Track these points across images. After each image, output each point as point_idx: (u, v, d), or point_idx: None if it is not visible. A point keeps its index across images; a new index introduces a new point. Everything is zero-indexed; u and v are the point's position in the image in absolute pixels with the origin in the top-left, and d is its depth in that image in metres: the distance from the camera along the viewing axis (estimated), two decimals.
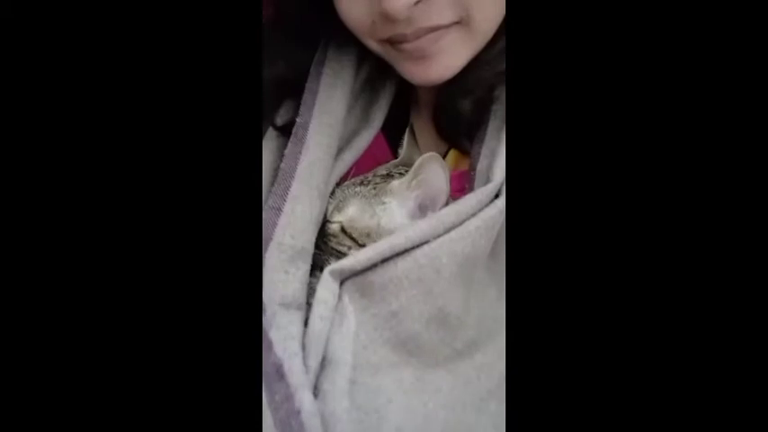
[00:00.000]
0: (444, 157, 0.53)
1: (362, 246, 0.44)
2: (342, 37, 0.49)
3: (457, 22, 0.42)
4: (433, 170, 0.41)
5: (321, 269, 0.45)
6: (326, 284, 0.40)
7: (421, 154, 0.51)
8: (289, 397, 0.34)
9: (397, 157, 0.54)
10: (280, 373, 0.35)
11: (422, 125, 0.54)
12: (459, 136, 0.50)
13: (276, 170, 0.48)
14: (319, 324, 0.38)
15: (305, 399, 0.34)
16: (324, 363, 0.37)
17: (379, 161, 0.53)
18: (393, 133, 0.55)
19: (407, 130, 0.50)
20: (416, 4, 0.39)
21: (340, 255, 0.45)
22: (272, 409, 0.34)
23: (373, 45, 0.46)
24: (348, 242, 0.44)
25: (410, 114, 0.55)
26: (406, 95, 0.55)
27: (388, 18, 0.40)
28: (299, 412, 0.33)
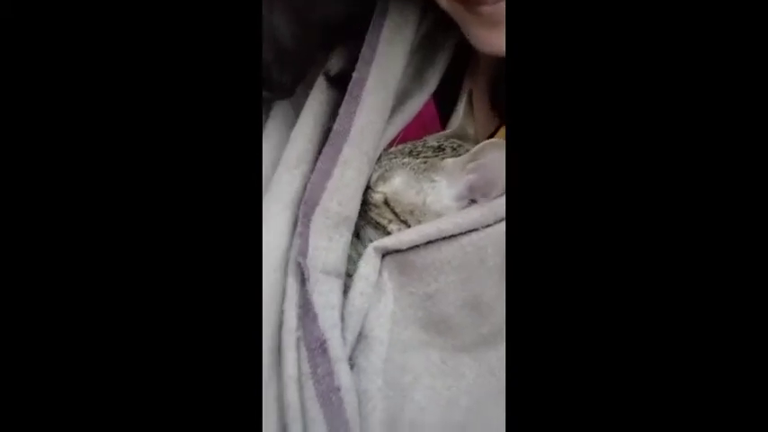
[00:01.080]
0: (495, 133, 0.50)
1: (403, 222, 0.42)
2: None
3: None
4: (496, 158, 0.38)
5: (357, 235, 0.44)
6: (369, 260, 0.39)
7: (475, 127, 0.49)
8: (330, 372, 0.34)
9: (444, 126, 0.52)
10: (323, 348, 0.35)
11: (475, 96, 0.51)
12: None
13: (322, 125, 0.45)
14: (359, 300, 0.38)
15: (344, 374, 0.35)
16: (359, 337, 0.37)
17: (426, 128, 0.50)
18: (443, 100, 0.52)
19: (464, 99, 0.47)
20: None
21: (378, 226, 0.43)
22: (314, 381, 0.34)
23: (444, 3, 0.42)
24: (389, 215, 0.43)
25: (463, 83, 0.52)
26: (461, 61, 0.51)
27: None
28: (338, 388, 0.34)
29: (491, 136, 0.50)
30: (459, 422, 0.37)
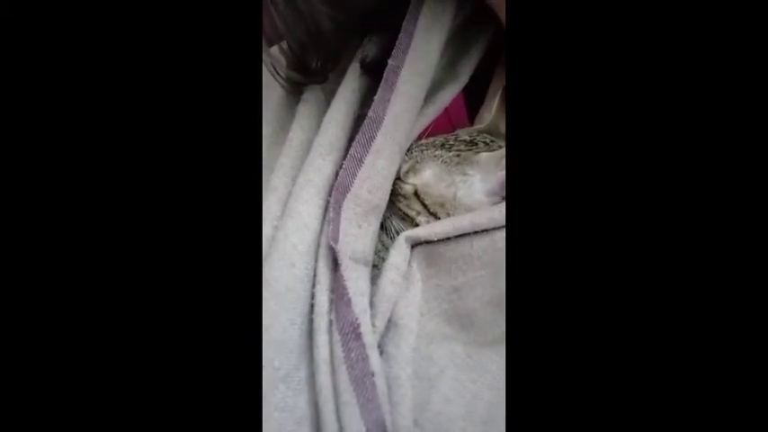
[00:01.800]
0: None
1: (432, 214, 0.42)
2: None
3: None
4: None
5: (382, 226, 0.43)
6: (400, 249, 0.38)
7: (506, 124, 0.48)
8: (364, 357, 0.34)
9: (472, 121, 0.51)
10: (357, 333, 0.34)
11: (499, 89, 0.50)
12: None
13: (354, 113, 0.44)
14: (390, 288, 0.37)
15: (377, 360, 0.34)
16: (389, 325, 0.37)
17: (453, 122, 0.50)
18: (471, 95, 0.51)
19: (499, 95, 0.46)
20: None
21: (406, 217, 0.43)
22: (347, 366, 0.34)
23: None
24: (419, 207, 0.42)
25: (492, 79, 0.51)
26: (492, 57, 0.50)
27: None
28: (372, 374, 0.33)
29: None
30: (482, 416, 0.36)
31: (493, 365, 0.38)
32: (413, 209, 0.42)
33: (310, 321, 0.36)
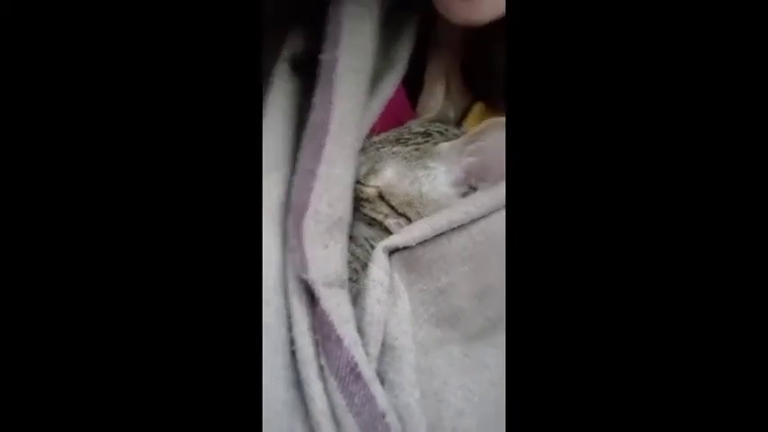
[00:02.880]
0: (469, 111, 0.48)
1: (402, 215, 0.40)
2: None
3: None
4: (498, 138, 0.37)
5: (350, 237, 0.40)
6: (380, 262, 0.35)
7: (455, 108, 0.47)
8: (370, 398, 0.31)
9: (415, 110, 0.49)
10: (356, 373, 0.31)
11: (440, 74, 0.49)
12: (490, 88, 0.46)
13: (292, 118, 0.40)
14: (378, 308, 0.34)
15: (382, 396, 0.31)
16: (383, 349, 0.34)
17: (397, 115, 0.47)
18: (408, 84, 0.49)
19: (442, 82, 0.45)
20: None
21: (373, 222, 0.40)
22: (353, 414, 0.30)
23: None
24: (385, 209, 0.40)
25: (428, 66, 0.49)
26: (426, 39, 0.49)
27: None
28: (383, 415, 0.30)
29: (465, 114, 0.48)
30: (493, 415, 0.35)
31: (490, 360, 0.37)
32: (380, 212, 0.40)
33: (295, 371, 0.32)
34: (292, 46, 0.43)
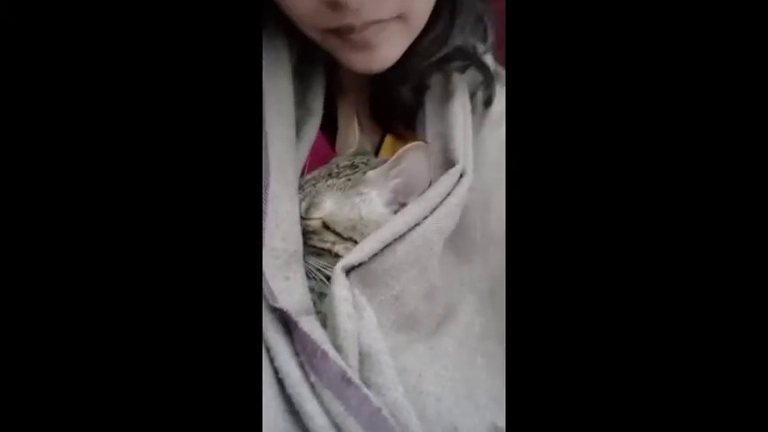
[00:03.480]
0: (382, 142, 0.55)
1: (348, 239, 0.44)
2: (269, 24, 0.47)
3: (398, 16, 0.44)
4: (416, 160, 0.43)
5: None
6: (341, 281, 0.39)
7: (368, 141, 0.53)
8: (364, 398, 0.34)
9: (333, 149, 0.55)
10: (347, 379, 0.34)
11: (351, 114, 0.55)
12: (396, 122, 0.53)
13: None
14: (349, 322, 0.37)
15: (373, 395, 0.34)
16: (362, 358, 0.37)
17: (318, 154, 0.53)
18: (324, 125, 0.54)
19: (355, 120, 0.51)
20: None
21: (322, 251, 0.44)
22: (354, 416, 0.33)
23: (314, 34, 0.45)
24: (332, 237, 0.44)
25: (339, 106, 0.56)
26: (333, 86, 0.55)
27: (338, 8, 0.40)
28: (379, 409, 0.34)
29: (379, 146, 0.55)
30: (465, 394, 0.40)
31: (450, 347, 0.42)
32: (326, 240, 0.44)
33: (285, 398, 0.35)
34: None
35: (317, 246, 0.44)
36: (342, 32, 0.44)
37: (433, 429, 0.36)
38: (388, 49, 0.46)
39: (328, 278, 0.42)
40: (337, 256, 0.43)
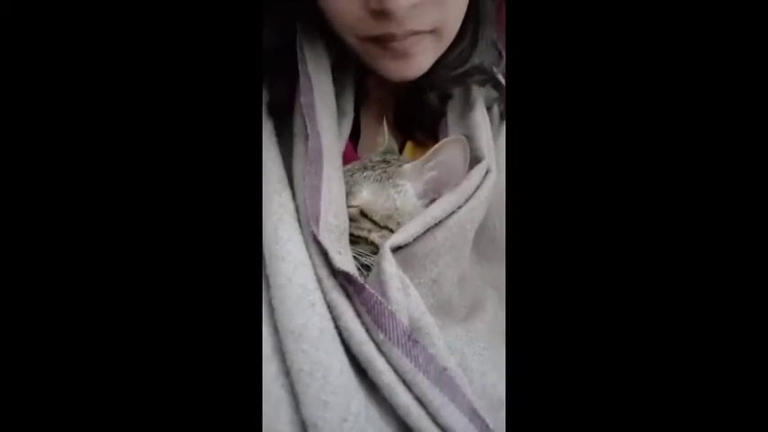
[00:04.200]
0: (403, 148, 0.57)
1: (384, 227, 0.45)
2: (307, 29, 0.50)
3: (432, 30, 0.48)
4: (453, 154, 0.46)
5: None
6: (389, 258, 0.40)
7: (397, 143, 0.55)
8: (431, 357, 0.35)
9: (356, 150, 0.56)
10: (413, 339, 0.35)
11: (375, 120, 0.57)
12: (418, 129, 0.56)
13: (284, 149, 0.45)
14: (399, 295, 0.38)
15: (438, 354, 0.36)
16: (413, 329, 0.38)
17: (347, 154, 0.54)
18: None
19: (385, 123, 0.53)
20: (413, 6, 0.44)
21: (358, 239, 0.45)
22: (423, 373, 0.34)
23: (353, 41, 0.48)
24: (368, 225, 0.45)
25: (361, 111, 0.58)
26: (358, 92, 0.57)
27: (384, 16, 0.43)
28: (445, 368, 0.35)
29: (400, 152, 0.57)
30: (501, 373, 0.41)
31: (481, 333, 0.44)
32: (363, 228, 0.45)
33: (351, 359, 0.35)
34: (267, 95, 0.48)
35: (354, 233, 0.45)
36: (382, 40, 0.46)
37: (482, 402, 0.37)
38: (422, 59, 0.49)
39: (363, 266, 0.43)
40: (373, 244, 0.44)
